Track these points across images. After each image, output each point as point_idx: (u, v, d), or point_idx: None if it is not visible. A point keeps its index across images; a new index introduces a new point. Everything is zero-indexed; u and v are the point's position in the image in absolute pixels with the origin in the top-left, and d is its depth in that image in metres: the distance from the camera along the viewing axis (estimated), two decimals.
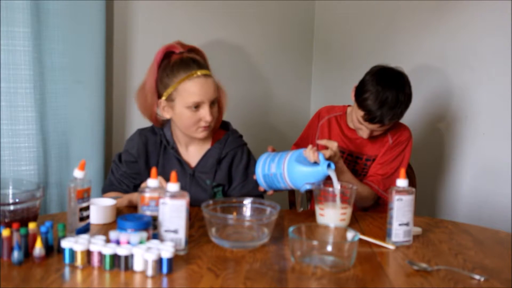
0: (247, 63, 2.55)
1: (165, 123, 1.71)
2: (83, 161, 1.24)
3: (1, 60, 1.83)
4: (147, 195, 1.22)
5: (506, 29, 1.86)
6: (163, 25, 2.31)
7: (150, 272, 1.05)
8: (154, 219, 1.20)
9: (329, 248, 1.17)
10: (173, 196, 1.17)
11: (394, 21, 2.34)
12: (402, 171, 1.35)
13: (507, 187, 1.91)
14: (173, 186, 1.18)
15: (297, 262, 1.14)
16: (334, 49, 2.69)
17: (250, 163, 1.70)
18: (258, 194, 1.67)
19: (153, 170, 1.24)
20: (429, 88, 2.18)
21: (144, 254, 1.05)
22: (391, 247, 1.30)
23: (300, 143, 1.93)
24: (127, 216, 1.18)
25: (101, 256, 1.08)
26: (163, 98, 1.58)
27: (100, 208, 1.42)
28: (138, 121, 2.31)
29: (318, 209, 1.48)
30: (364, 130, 1.73)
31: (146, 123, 2.32)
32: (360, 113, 1.69)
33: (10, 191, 1.36)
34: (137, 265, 1.07)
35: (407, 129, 1.83)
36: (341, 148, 1.82)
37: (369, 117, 1.66)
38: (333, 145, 1.55)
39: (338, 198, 1.44)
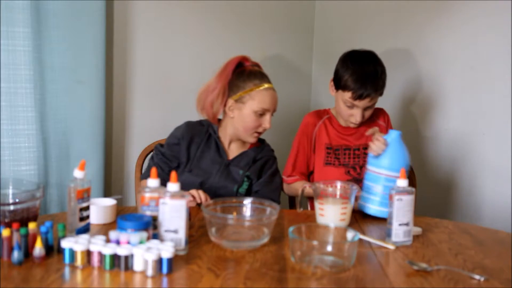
0: None
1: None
2: (83, 161, 1.24)
3: (1, 60, 1.83)
4: (147, 195, 1.22)
5: (506, 29, 1.86)
6: (163, 25, 2.31)
7: (150, 272, 1.05)
8: (154, 219, 1.20)
9: (329, 248, 1.17)
10: (173, 196, 1.17)
11: (394, 21, 2.34)
12: (402, 171, 1.35)
13: (507, 187, 1.91)
14: (173, 186, 1.18)
15: (297, 262, 1.14)
16: (334, 49, 2.69)
17: (277, 173, 1.86)
18: (274, 199, 1.78)
19: (153, 170, 1.24)
20: (429, 87, 2.18)
21: (144, 254, 1.05)
22: (391, 247, 1.30)
23: (298, 158, 1.90)
24: (127, 216, 1.18)
25: (101, 256, 1.08)
26: (233, 98, 1.75)
27: (100, 208, 1.42)
28: (138, 121, 2.31)
29: (318, 208, 1.48)
30: (356, 114, 1.78)
31: (147, 124, 2.32)
32: (347, 95, 1.74)
33: (10, 191, 1.36)
34: (137, 265, 1.07)
35: (382, 109, 1.95)
36: (345, 146, 1.86)
37: (357, 94, 1.72)
38: (375, 128, 1.63)
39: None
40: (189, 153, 1.79)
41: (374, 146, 1.55)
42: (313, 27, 2.78)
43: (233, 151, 1.84)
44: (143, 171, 1.95)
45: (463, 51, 2.04)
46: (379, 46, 2.40)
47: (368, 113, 1.80)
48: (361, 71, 1.72)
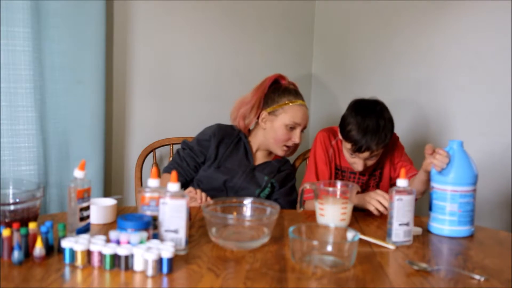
0: (246, 63, 2.55)
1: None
2: (83, 161, 1.24)
3: (1, 60, 1.83)
4: (148, 195, 1.22)
5: (506, 29, 1.86)
6: (163, 25, 2.31)
7: (150, 272, 1.05)
8: (155, 219, 1.20)
9: (329, 248, 1.17)
10: (173, 196, 1.17)
11: (393, 21, 2.34)
12: (402, 171, 1.35)
13: (507, 187, 1.91)
14: (173, 186, 1.18)
15: (297, 262, 1.14)
16: (334, 50, 2.69)
17: (295, 188, 1.96)
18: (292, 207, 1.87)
19: (153, 170, 1.24)
20: (429, 86, 2.18)
21: (144, 254, 1.05)
22: (391, 247, 1.30)
23: (321, 172, 1.84)
24: (127, 216, 1.18)
25: (101, 256, 1.08)
26: (267, 111, 1.88)
27: (100, 208, 1.42)
28: (138, 121, 2.31)
29: (318, 208, 1.48)
30: (358, 163, 1.76)
31: (147, 124, 2.33)
32: (348, 145, 1.74)
33: (10, 191, 1.36)
34: (137, 265, 1.07)
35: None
36: (351, 169, 1.85)
37: (357, 147, 1.70)
38: (429, 144, 1.54)
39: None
40: (217, 151, 1.88)
41: (437, 161, 1.44)
42: (313, 27, 2.78)
43: (259, 158, 1.95)
44: (165, 165, 1.99)
45: (463, 52, 2.04)
46: (379, 46, 2.41)
47: (371, 162, 1.77)
48: (362, 125, 1.69)
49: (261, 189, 1.85)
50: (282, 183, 1.90)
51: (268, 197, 1.87)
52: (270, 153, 1.96)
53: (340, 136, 1.80)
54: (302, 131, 1.89)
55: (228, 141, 1.91)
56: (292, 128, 1.86)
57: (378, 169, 1.88)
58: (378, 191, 1.60)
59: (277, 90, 1.89)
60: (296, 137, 1.87)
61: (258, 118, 1.91)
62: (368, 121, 1.69)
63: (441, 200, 1.45)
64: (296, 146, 1.93)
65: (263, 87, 1.91)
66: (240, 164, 1.88)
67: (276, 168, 1.91)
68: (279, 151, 1.90)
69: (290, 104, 1.85)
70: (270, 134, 1.88)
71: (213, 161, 1.87)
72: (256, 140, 1.94)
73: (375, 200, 1.57)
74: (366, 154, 1.72)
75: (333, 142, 1.87)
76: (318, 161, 1.85)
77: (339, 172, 1.87)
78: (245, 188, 1.83)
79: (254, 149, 1.95)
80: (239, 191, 1.83)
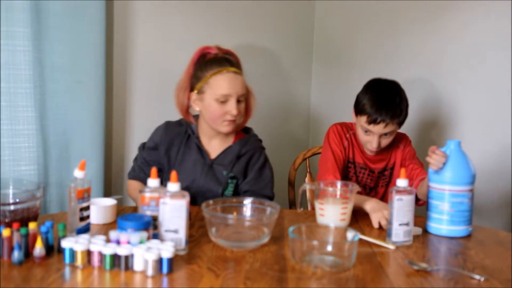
0: (246, 62, 2.55)
1: (196, 119, 1.79)
2: (83, 161, 1.24)
3: (1, 60, 1.83)
4: (147, 195, 1.22)
5: (506, 29, 1.86)
6: (163, 25, 2.31)
7: (150, 272, 1.05)
8: (155, 219, 1.20)
9: (329, 248, 1.17)
10: (173, 196, 1.17)
11: (394, 21, 2.34)
12: (402, 171, 1.35)
13: (507, 187, 1.91)
14: (173, 186, 1.18)
15: (297, 262, 1.14)
16: (334, 49, 2.69)
17: (266, 166, 1.77)
18: (267, 195, 1.72)
19: (153, 170, 1.24)
20: (429, 86, 2.18)
21: (144, 254, 1.06)
22: (391, 247, 1.30)
23: (338, 163, 1.82)
24: (127, 216, 1.18)
25: (101, 256, 1.09)
26: (195, 91, 1.69)
27: (100, 208, 1.42)
28: (138, 121, 2.31)
29: (318, 208, 1.49)
30: (372, 141, 1.75)
31: (147, 124, 2.32)
32: (363, 119, 1.73)
33: (11, 191, 1.36)
34: (137, 265, 1.07)
35: (405, 134, 1.91)
36: (362, 165, 1.85)
37: (372, 118, 1.70)
38: (432, 147, 1.53)
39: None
40: (169, 157, 1.74)
41: (433, 160, 1.45)
42: (313, 27, 2.78)
43: (216, 148, 1.75)
44: (129, 170, 1.89)
45: (464, 50, 2.04)
46: (379, 46, 2.41)
47: (385, 142, 1.76)
48: (379, 97, 1.70)
49: (223, 187, 1.70)
50: (245, 170, 1.73)
51: (235, 192, 1.72)
52: (227, 136, 1.76)
53: (354, 119, 1.79)
54: (239, 101, 1.67)
55: (177, 141, 1.74)
56: (224, 101, 1.64)
57: (388, 170, 1.87)
58: (386, 205, 1.53)
59: (200, 65, 1.68)
60: (231, 108, 1.63)
61: (189, 100, 1.72)
62: (385, 95, 1.71)
63: (438, 200, 1.46)
64: (239, 116, 1.70)
65: (189, 65, 1.71)
66: (196, 164, 1.71)
67: (235, 154, 1.72)
68: (222, 128, 1.68)
69: (214, 76, 1.64)
70: (206, 115, 1.68)
71: (168, 169, 1.72)
72: (204, 128, 1.75)
73: (384, 219, 1.50)
74: (381, 127, 1.70)
75: (348, 135, 1.86)
76: (334, 148, 1.83)
77: (351, 166, 1.86)
78: (208, 190, 1.69)
79: (206, 140, 1.75)
80: (203, 194, 1.68)
